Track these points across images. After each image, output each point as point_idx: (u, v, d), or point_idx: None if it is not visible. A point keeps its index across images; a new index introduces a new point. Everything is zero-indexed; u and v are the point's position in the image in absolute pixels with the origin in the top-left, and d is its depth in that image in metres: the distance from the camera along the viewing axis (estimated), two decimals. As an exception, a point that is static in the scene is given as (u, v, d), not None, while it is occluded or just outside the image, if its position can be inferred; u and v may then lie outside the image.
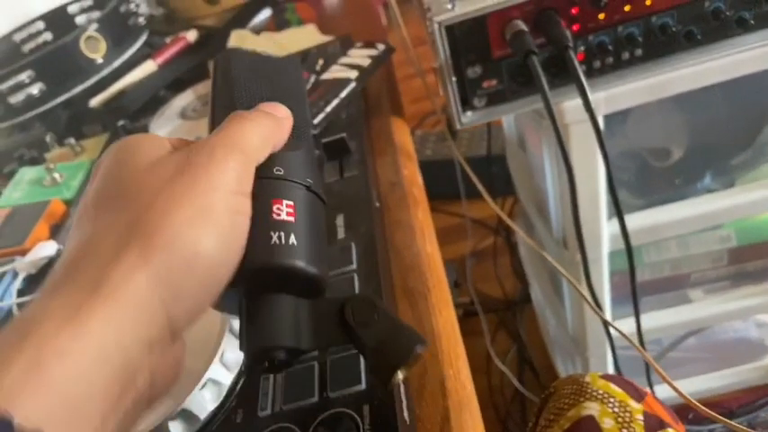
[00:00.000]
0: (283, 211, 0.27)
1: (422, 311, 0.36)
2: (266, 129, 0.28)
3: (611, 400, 0.48)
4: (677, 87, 0.58)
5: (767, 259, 0.83)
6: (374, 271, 0.36)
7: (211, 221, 0.24)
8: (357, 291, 0.35)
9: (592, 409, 0.48)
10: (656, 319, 0.88)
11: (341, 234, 0.39)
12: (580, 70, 0.49)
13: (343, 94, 0.55)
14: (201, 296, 0.24)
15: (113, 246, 0.23)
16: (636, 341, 0.80)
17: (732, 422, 0.51)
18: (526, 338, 1.28)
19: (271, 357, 0.26)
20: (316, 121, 0.52)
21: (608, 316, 0.85)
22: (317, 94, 0.55)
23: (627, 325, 0.77)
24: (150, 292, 0.22)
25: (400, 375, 0.27)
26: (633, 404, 0.49)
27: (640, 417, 0.48)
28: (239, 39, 0.76)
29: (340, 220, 0.40)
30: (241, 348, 0.27)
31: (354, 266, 0.36)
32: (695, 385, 1.05)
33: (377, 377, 0.27)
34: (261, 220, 0.26)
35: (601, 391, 0.49)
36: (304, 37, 0.74)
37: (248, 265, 0.25)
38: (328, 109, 0.53)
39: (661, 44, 0.55)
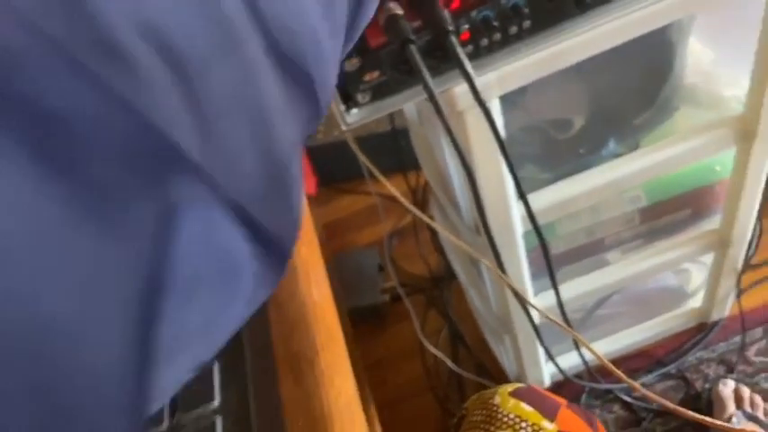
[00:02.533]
0: None
1: (309, 385, 0.30)
2: None
3: (523, 424, 0.45)
4: (572, 57, 0.54)
5: (677, 213, 0.82)
6: (241, 362, 0.29)
7: None
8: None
9: None
10: (578, 287, 0.87)
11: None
12: (464, 57, 0.44)
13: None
14: None
15: None
16: (558, 314, 0.78)
17: (633, 382, 0.49)
18: (456, 315, 1.25)
19: None
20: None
21: (529, 293, 0.82)
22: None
23: (550, 297, 0.75)
24: None
25: None
26: (546, 425, 0.45)
27: None
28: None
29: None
30: None
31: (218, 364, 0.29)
32: (624, 339, 1.07)
33: None
34: None
35: (512, 415, 0.46)
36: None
37: None
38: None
39: (550, 13, 0.50)
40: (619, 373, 0.52)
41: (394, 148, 1.15)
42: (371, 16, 0.28)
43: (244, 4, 0.18)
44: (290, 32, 0.20)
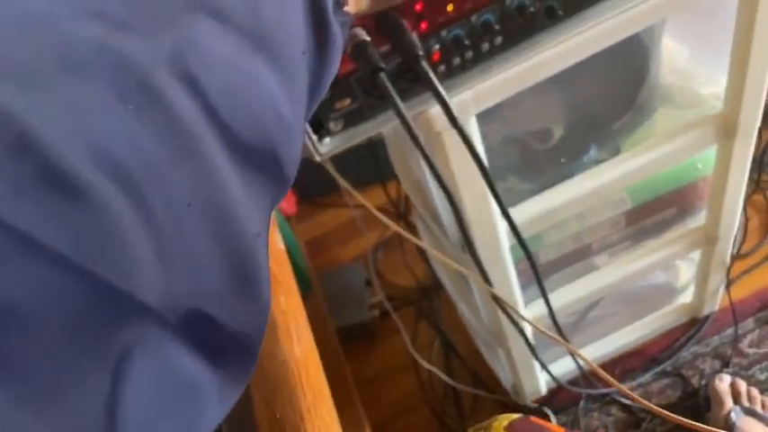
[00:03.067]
0: None
1: (295, 456, 0.28)
2: None
3: None
4: (547, 70, 0.52)
5: (662, 213, 0.81)
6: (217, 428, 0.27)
7: None
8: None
9: None
10: (569, 293, 0.85)
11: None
12: (436, 80, 0.42)
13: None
14: None
15: None
16: (551, 322, 0.77)
17: (622, 386, 0.49)
18: (447, 325, 1.24)
19: None
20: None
21: (519, 304, 0.81)
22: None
23: (541, 306, 0.73)
24: None
25: None
26: None
27: None
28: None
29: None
30: None
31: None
32: (618, 340, 1.06)
33: None
34: None
35: None
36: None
37: None
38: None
39: (521, 27, 0.49)
40: (609, 378, 0.51)
41: (372, 159, 1.13)
42: (336, 71, 0.27)
43: (195, 102, 0.18)
44: (246, 118, 0.20)
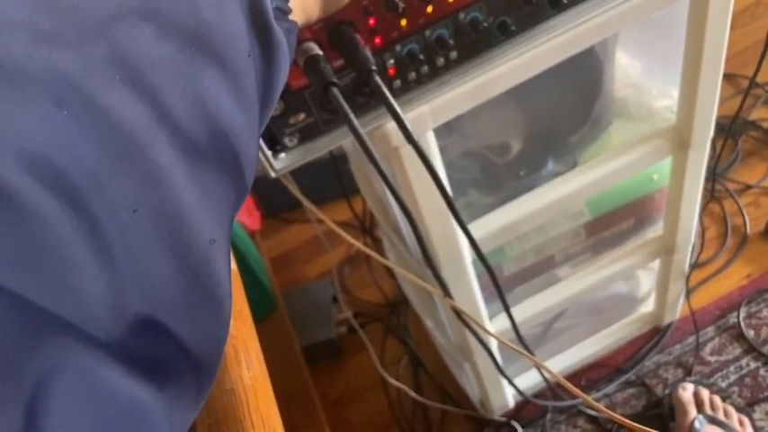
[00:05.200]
0: None
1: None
2: None
3: None
4: (503, 84, 0.52)
5: (620, 224, 0.82)
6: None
7: None
8: None
9: None
10: (533, 306, 0.86)
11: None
12: (390, 96, 0.41)
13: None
14: None
15: None
16: (514, 338, 0.77)
17: (588, 397, 0.49)
18: (415, 341, 1.23)
19: None
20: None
21: (484, 318, 0.80)
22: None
23: (506, 319, 0.73)
24: None
25: None
26: None
27: None
28: None
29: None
30: None
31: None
32: (583, 350, 1.06)
33: None
34: None
35: None
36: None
37: None
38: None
39: (475, 42, 0.49)
40: (574, 389, 0.51)
41: (336, 174, 1.12)
42: (285, 78, 0.26)
43: (140, 106, 0.18)
44: (197, 119, 0.19)
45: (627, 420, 0.45)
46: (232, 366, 0.32)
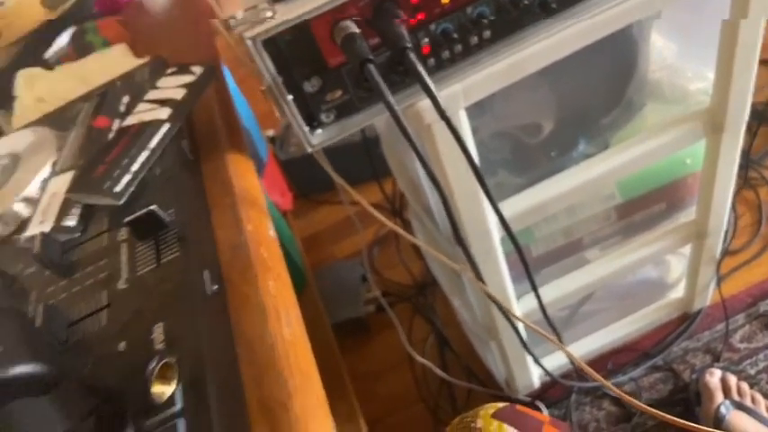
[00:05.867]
0: None
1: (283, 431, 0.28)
2: None
3: None
4: (535, 64, 0.53)
5: (652, 208, 0.82)
6: (207, 405, 0.28)
7: None
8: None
9: None
10: (561, 287, 0.86)
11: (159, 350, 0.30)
12: (424, 73, 0.43)
13: (154, 142, 0.45)
14: None
15: None
16: (541, 316, 0.78)
17: (608, 382, 0.50)
18: (442, 321, 1.25)
19: None
20: (118, 188, 0.41)
21: (511, 297, 0.81)
22: (120, 146, 0.44)
23: (533, 299, 0.74)
24: None
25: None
26: None
27: None
28: (28, 79, 0.63)
29: (158, 332, 0.31)
30: None
31: (178, 407, 0.28)
32: (610, 334, 1.07)
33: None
34: None
35: None
36: (111, 63, 0.62)
37: None
38: (134, 167, 0.43)
39: (512, 21, 0.50)
40: (595, 374, 0.52)
41: (367, 157, 1.14)
42: None
43: None
44: None
45: (649, 408, 0.45)
46: (273, 324, 0.34)
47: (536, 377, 1.03)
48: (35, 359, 0.27)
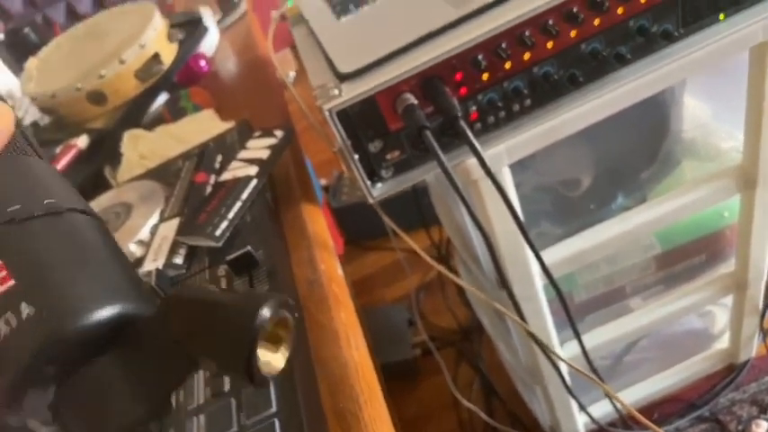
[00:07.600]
0: None
1: (355, 435, 0.34)
2: None
3: None
4: (571, 128, 0.59)
5: (691, 258, 0.86)
6: (297, 410, 0.34)
7: None
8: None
9: None
10: (603, 334, 0.89)
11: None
12: (472, 136, 0.50)
13: (245, 195, 0.53)
14: None
15: None
16: (585, 364, 0.81)
17: (660, 430, 0.53)
18: (487, 366, 1.28)
19: None
20: (218, 232, 0.50)
21: (555, 343, 0.85)
22: (217, 198, 0.53)
23: (575, 346, 0.78)
24: None
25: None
26: None
27: None
28: (133, 139, 0.74)
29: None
30: None
31: (274, 409, 0.35)
32: (655, 384, 1.08)
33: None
34: None
35: None
36: (202, 125, 0.72)
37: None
38: (230, 215, 0.51)
39: (547, 91, 0.57)
40: (645, 420, 0.55)
41: (416, 206, 1.21)
42: None
43: None
44: None
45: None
46: (344, 346, 0.41)
47: (581, 425, 1.05)
48: None
